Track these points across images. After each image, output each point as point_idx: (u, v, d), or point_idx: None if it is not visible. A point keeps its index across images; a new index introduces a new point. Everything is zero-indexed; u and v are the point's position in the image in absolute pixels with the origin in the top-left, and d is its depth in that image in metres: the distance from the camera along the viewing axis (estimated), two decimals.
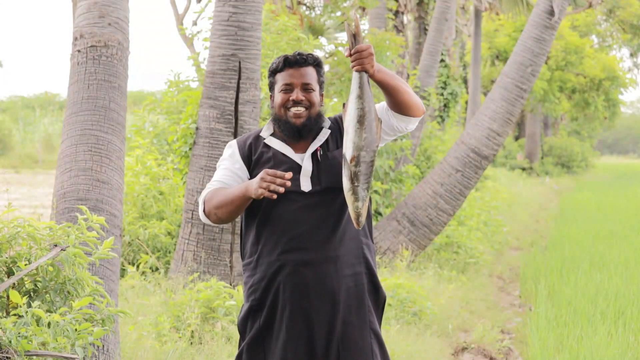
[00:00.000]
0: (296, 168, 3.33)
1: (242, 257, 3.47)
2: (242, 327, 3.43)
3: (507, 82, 9.92)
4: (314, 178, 3.33)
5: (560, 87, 30.62)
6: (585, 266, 10.28)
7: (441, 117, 17.63)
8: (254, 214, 3.37)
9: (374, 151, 3.13)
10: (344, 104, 3.20)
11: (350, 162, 3.10)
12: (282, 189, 3.08)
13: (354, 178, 3.11)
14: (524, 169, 32.09)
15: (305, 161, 3.34)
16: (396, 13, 16.19)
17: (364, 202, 3.12)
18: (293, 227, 3.31)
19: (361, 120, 3.12)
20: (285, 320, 3.33)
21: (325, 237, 3.31)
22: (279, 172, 3.10)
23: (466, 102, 25.28)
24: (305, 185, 3.32)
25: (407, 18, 18.46)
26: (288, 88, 3.35)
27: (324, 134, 3.39)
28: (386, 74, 3.19)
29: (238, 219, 6.60)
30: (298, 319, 3.33)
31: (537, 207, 20.14)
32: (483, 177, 18.64)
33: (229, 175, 3.39)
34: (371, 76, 3.15)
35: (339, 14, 14.63)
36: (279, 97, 3.36)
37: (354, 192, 3.12)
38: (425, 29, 16.73)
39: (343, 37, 15.09)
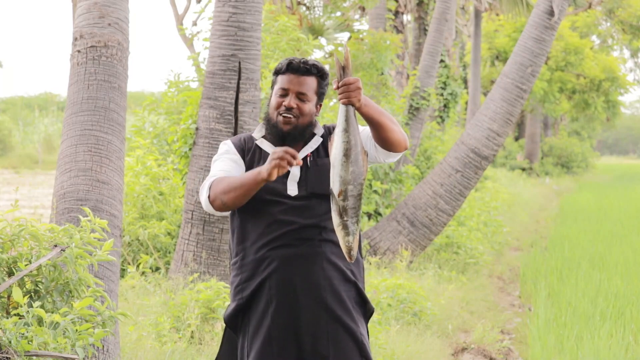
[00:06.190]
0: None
1: (230, 258, 3.48)
2: (232, 323, 3.44)
3: (507, 83, 9.92)
4: (301, 183, 3.35)
5: (560, 87, 30.59)
6: (585, 266, 10.29)
7: (441, 117, 17.63)
8: (240, 214, 3.39)
9: (361, 184, 3.11)
10: (330, 136, 3.19)
11: (338, 196, 3.09)
12: (295, 162, 3.07)
13: (342, 212, 3.09)
14: (524, 170, 32.07)
15: (294, 166, 3.34)
16: (396, 13, 16.19)
17: (355, 235, 3.11)
18: (279, 226, 3.33)
19: (347, 153, 3.10)
20: (270, 315, 3.34)
21: (311, 236, 3.33)
22: (289, 149, 3.08)
23: (466, 103, 25.28)
24: (292, 189, 3.35)
25: (407, 18, 18.47)
26: (283, 93, 3.37)
27: (316, 142, 3.42)
28: (373, 108, 3.19)
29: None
30: (284, 313, 3.33)
31: (537, 208, 20.14)
32: (483, 177, 18.65)
33: (231, 165, 3.38)
34: (358, 110, 3.15)
35: (338, 14, 14.64)
36: (274, 100, 3.39)
37: (344, 227, 3.10)
38: (425, 30, 16.72)
39: (342, 37, 15.09)
